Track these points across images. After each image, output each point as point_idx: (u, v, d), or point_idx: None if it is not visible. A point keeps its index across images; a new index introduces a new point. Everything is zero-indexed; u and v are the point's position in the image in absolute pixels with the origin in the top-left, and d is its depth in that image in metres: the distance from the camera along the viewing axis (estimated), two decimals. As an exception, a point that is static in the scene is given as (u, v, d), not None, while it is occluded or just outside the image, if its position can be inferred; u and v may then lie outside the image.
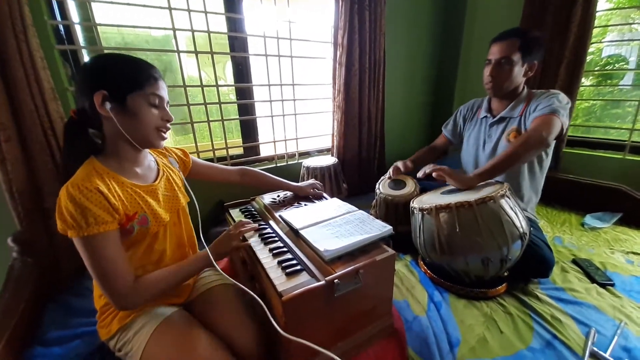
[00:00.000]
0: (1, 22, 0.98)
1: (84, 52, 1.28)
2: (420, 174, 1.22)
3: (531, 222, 1.22)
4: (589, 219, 1.62)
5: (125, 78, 0.70)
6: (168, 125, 0.77)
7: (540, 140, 1.06)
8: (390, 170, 1.49)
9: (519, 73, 1.19)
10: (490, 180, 1.13)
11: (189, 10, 1.41)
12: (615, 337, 0.87)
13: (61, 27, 1.23)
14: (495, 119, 1.29)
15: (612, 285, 1.10)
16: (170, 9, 1.36)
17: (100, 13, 1.29)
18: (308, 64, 1.93)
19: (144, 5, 1.32)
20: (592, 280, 1.14)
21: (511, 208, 0.99)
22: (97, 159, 0.73)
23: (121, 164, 0.76)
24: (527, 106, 1.21)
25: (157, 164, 0.88)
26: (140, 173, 0.80)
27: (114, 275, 0.67)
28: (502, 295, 1.07)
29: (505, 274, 1.11)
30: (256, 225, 0.97)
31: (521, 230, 0.98)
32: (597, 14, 1.65)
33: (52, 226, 1.17)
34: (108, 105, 0.67)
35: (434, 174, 1.14)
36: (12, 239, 1.09)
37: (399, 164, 1.46)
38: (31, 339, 0.94)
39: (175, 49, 1.43)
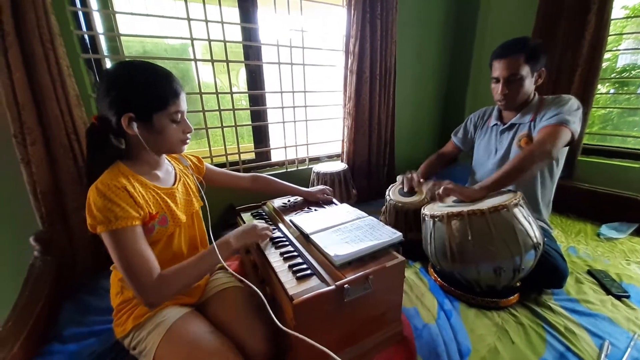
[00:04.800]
0: (29, 31, 1.03)
1: (107, 60, 1.34)
2: (429, 196, 1.23)
3: (544, 232, 1.20)
4: (604, 229, 1.59)
5: (151, 99, 0.72)
6: (189, 135, 0.81)
7: (544, 153, 1.05)
8: (404, 179, 1.44)
9: (530, 84, 1.19)
10: (502, 189, 1.12)
11: (206, 21, 1.46)
12: (629, 350, 0.85)
13: (86, 37, 1.28)
14: (505, 126, 1.29)
15: (628, 297, 1.08)
16: (189, 19, 1.41)
17: (123, 22, 1.34)
18: (320, 71, 1.96)
19: (165, 17, 1.38)
20: (608, 292, 1.11)
21: (525, 217, 0.98)
22: (123, 162, 0.77)
23: (144, 168, 0.80)
24: (537, 112, 1.20)
25: (175, 169, 0.92)
26: (161, 177, 0.84)
27: (140, 269, 0.68)
28: (514, 305, 1.05)
29: (518, 284, 1.09)
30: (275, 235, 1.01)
31: (535, 240, 0.97)
32: (613, 22, 1.63)
33: (72, 226, 1.21)
34: (135, 126, 0.71)
35: (439, 192, 1.14)
36: (34, 238, 1.13)
37: (414, 176, 1.41)
38: (48, 335, 0.97)
39: (193, 57, 1.48)
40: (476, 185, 1.12)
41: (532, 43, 1.15)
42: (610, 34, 1.63)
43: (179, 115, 0.76)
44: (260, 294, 0.73)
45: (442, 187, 1.14)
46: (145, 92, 0.71)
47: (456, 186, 1.13)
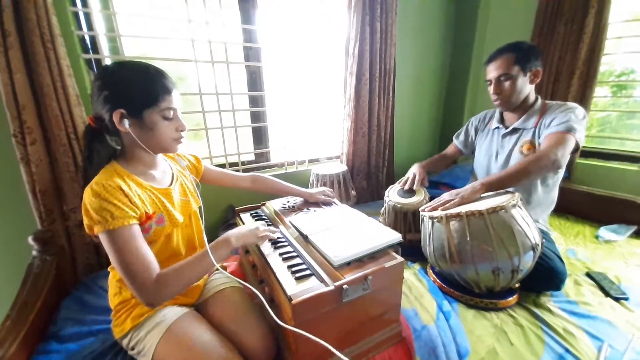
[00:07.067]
0: (30, 31, 1.04)
1: (108, 60, 1.34)
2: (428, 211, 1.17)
3: (543, 234, 1.21)
4: (603, 232, 1.59)
5: (141, 94, 0.72)
6: (183, 134, 0.80)
7: (553, 161, 1.05)
8: (408, 177, 1.45)
9: (524, 83, 1.18)
10: (500, 190, 1.13)
11: (207, 23, 1.46)
12: (627, 351, 0.85)
13: (87, 37, 1.29)
14: (508, 130, 1.29)
15: (626, 299, 1.08)
16: (189, 21, 1.41)
17: (124, 22, 1.35)
18: (320, 72, 1.96)
19: (166, 18, 1.39)
20: (606, 294, 1.11)
21: (523, 218, 0.98)
22: (118, 162, 0.77)
23: (139, 168, 0.80)
24: (541, 118, 1.20)
25: (171, 169, 0.91)
26: (157, 177, 0.84)
27: (138, 269, 0.68)
28: (513, 306, 1.05)
29: (517, 285, 1.09)
30: (276, 236, 0.97)
31: (533, 241, 0.97)
32: (612, 26, 1.64)
33: (71, 226, 1.22)
34: (126, 122, 0.71)
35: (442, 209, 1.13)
36: (33, 237, 1.13)
37: (415, 170, 1.44)
38: (47, 334, 0.97)
39: (193, 58, 1.48)
40: (477, 182, 1.12)
41: (522, 45, 1.17)
42: (608, 37, 1.65)
43: (171, 112, 0.76)
44: (258, 293, 0.73)
45: (442, 201, 1.14)
46: (135, 88, 0.72)
47: (456, 195, 1.12)
